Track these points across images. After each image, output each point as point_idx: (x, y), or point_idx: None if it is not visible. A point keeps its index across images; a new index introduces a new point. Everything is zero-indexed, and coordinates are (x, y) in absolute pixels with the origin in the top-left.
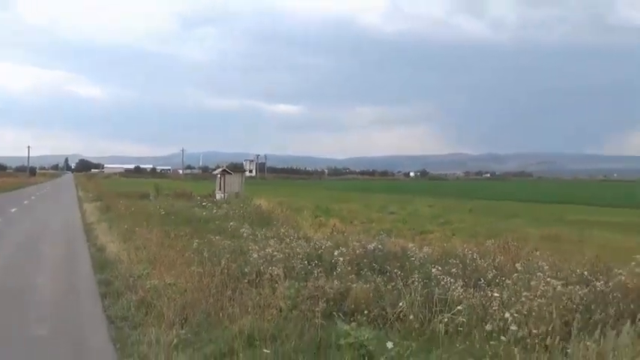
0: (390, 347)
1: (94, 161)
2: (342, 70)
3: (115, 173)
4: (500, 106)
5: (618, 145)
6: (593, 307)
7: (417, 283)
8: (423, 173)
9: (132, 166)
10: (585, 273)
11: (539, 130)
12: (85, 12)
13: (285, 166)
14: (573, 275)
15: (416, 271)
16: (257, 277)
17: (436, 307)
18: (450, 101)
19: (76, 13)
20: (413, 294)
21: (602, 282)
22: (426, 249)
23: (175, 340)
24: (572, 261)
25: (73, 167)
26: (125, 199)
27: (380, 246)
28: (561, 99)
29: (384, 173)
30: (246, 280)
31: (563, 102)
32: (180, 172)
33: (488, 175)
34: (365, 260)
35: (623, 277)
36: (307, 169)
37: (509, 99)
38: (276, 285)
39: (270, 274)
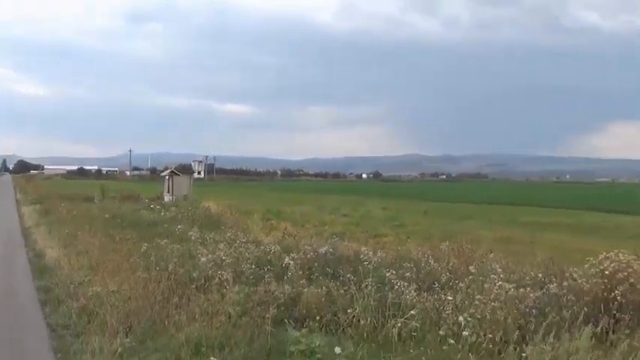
0: (338, 352)
1: (34, 162)
2: (294, 69)
3: (57, 175)
4: (455, 107)
5: (570, 147)
6: (547, 310)
7: (370, 287)
8: (376, 175)
9: (75, 168)
10: (539, 275)
11: (493, 132)
12: (24, 7)
13: (236, 167)
14: (527, 278)
15: (369, 276)
16: (205, 282)
17: (389, 311)
18: (405, 101)
19: (14, 7)
20: (366, 298)
21: (555, 284)
22: (379, 253)
23: (120, 349)
24: (526, 263)
25: (11, 168)
26: (67, 202)
27: (332, 250)
28: (515, 100)
29: (337, 175)
30: (194, 286)
31: (516, 103)
32: (128, 173)
33: (444, 176)
34: (317, 264)
35: (577, 279)
36: (259, 170)
37: (464, 99)
38: (225, 290)
39: (219, 279)
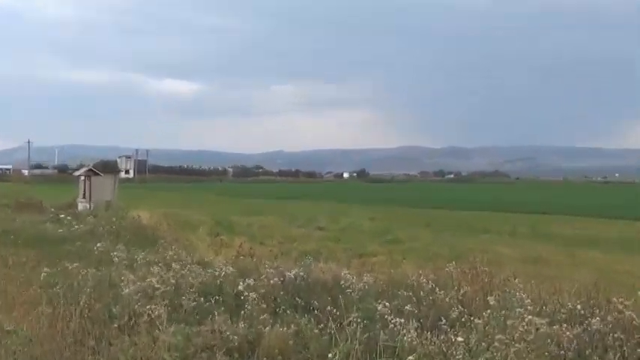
0: None
1: None
2: (254, 35)
3: None
4: (468, 87)
5: (621, 137)
6: (588, 352)
7: (354, 325)
8: (362, 173)
9: None
10: (578, 307)
11: (516, 117)
12: None
13: (176, 165)
14: (562, 310)
15: (353, 309)
16: (131, 319)
17: (381, 358)
18: (402, 79)
19: None
20: (349, 340)
21: (598, 318)
22: (367, 278)
23: None
24: (561, 291)
25: None
26: None
27: (304, 274)
28: (547, 77)
29: (310, 174)
30: (115, 325)
31: (548, 81)
32: (26, 172)
33: (452, 175)
34: (283, 294)
35: (625, 312)
36: (206, 168)
37: (480, 78)
38: (158, 331)
39: (150, 316)
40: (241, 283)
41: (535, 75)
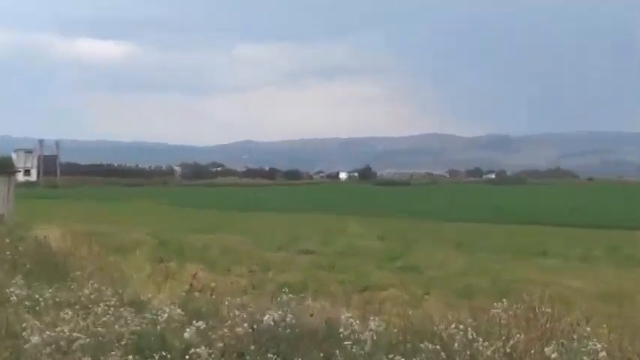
0: None
1: None
2: None
3: None
4: (514, 55)
5: None
6: None
7: None
8: (367, 173)
9: None
10: None
11: (581, 96)
12: None
13: (100, 162)
14: None
15: None
16: None
17: None
18: (424, 38)
19: None
20: None
21: None
22: (374, 323)
23: None
24: None
25: None
26: None
27: (284, 318)
28: (624, 43)
29: (294, 174)
30: None
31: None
32: None
33: (493, 174)
34: (254, 348)
35: None
36: (144, 166)
37: (532, 42)
38: None
39: None
40: (194, 331)
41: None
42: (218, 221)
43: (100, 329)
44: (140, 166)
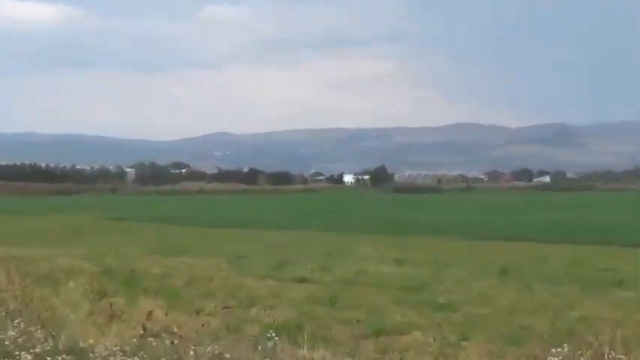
0: None
1: None
2: None
3: None
4: (577, 21)
5: None
6: None
7: None
8: (381, 176)
9: None
10: None
11: None
12: None
13: (19, 162)
14: None
15: None
16: None
17: None
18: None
19: None
20: None
21: None
22: None
23: None
24: None
25: None
26: None
27: None
28: None
29: (281, 177)
30: None
31: None
32: None
33: (547, 177)
34: None
35: None
36: (84, 167)
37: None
38: None
39: None
40: None
41: None
42: (183, 240)
43: None
44: (78, 167)
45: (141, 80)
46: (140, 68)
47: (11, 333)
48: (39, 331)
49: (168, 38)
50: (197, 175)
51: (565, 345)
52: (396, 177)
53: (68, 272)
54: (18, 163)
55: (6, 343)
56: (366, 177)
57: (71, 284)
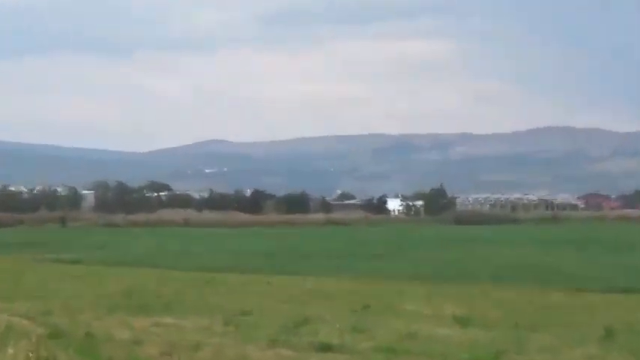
0: None
1: None
2: None
3: None
4: None
5: None
6: None
7: None
8: (435, 201)
9: None
10: None
11: None
12: None
13: None
14: None
15: None
16: None
17: None
18: None
19: None
20: None
21: None
22: None
23: None
24: None
25: None
26: None
27: None
28: None
29: (299, 203)
30: None
31: None
32: None
33: None
34: None
35: None
36: (17, 189)
37: None
38: None
39: None
40: None
41: None
42: (162, 291)
43: None
44: (11, 188)
45: (104, 68)
46: (103, 52)
47: None
48: None
49: (140, 14)
50: (181, 201)
51: None
52: (458, 202)
53: (6, 334)
54: None
55: None
56: (418, 203)
57: (10, 350)
